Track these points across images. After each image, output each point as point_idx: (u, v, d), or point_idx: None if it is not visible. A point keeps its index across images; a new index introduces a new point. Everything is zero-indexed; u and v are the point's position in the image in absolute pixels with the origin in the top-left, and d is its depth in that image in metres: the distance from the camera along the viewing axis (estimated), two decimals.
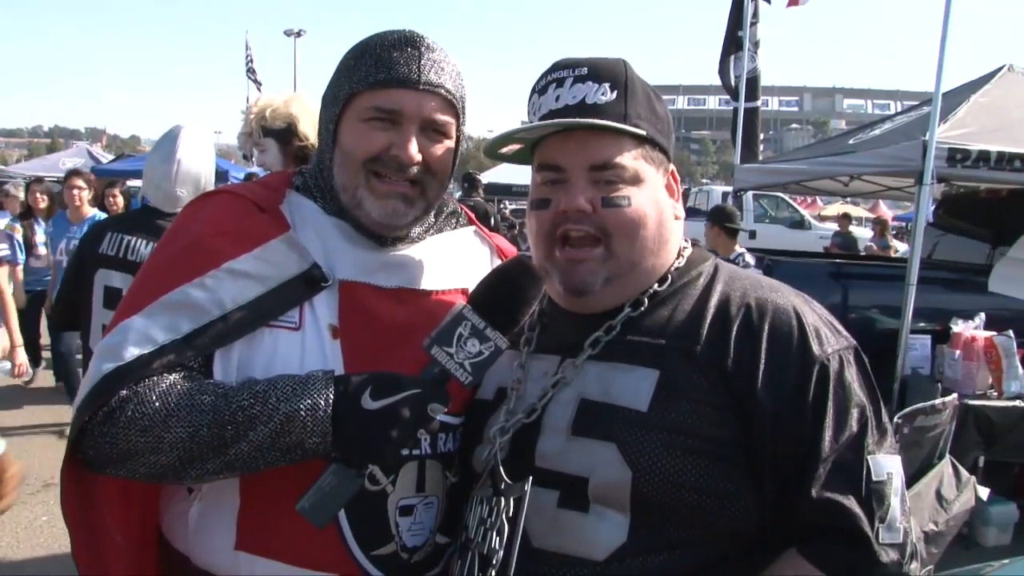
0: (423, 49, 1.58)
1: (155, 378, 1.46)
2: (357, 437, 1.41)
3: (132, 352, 1.47)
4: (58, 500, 1.58)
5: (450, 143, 1.64)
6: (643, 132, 1.50)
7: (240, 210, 1.63)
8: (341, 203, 1.63)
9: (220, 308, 1.52)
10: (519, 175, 20.15)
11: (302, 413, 1.40)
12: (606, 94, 1.49)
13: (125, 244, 3.74)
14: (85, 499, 1.57)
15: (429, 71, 1.57)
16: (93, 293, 3.74)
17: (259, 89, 23.27)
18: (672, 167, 1.60)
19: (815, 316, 1.48)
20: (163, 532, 1.66)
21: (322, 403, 1.41)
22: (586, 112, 1.48)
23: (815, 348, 1.42)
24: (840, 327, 1.50)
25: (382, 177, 1.59)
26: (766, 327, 1.44)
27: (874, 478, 1.38)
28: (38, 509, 5.59)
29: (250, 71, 24.16)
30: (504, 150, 1.62)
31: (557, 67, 1.54)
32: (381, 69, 1.56)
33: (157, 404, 1.43)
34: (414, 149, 1.57)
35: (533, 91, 1.56)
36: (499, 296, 1.50)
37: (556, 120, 1.49)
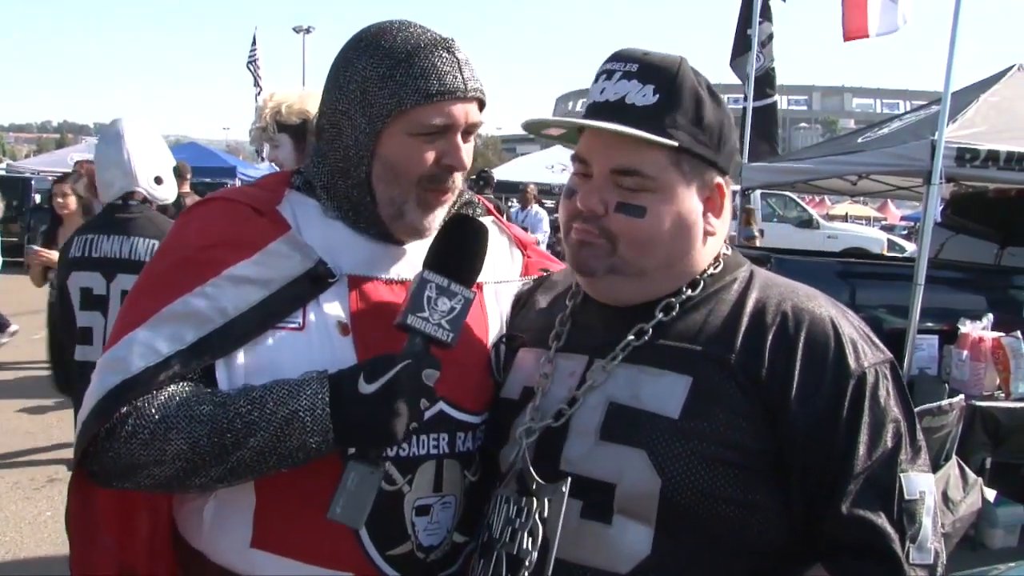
0: (458, 53, 1.56)
1: (156, 391, 1.46)
2: (363, 423, 1.40)
3: (137, 365, 1.46)
4: (63, 496, 1.60)
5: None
6: (674, 143, 1.43)
7: (235, 216, 1.61)
8: (373, 213, 1.60)
9: (223, 316, 1.50)
10: (528, 174, 20.18)
11: (300, 413, 1.40)
12: (647, 97, 1.43)
13: (88, 243, 3.82)
14: (88, 510, 1.59)
15: (470, 77, 1.56)
16: (71, 299, 3.81)
17: (257, 85, 23.10)
18: (720, 179, 1.51)
19: (852, 328, 1.43)
20: (178, 529, 1.66)
21: (319, 401, 1.41)
22: (621, 112, 1.43)
23: (851, 362, 1.38)
24: (876, 339, 1.46)
25: (433, 190, 1.58)
26: (802, 338, 1.39)
27: (906, 496, 1.34)
28: (42, 505, 5.59)
29: (252, 63, 23.96)
30: (549, 132, 1.62)
31: (615, 58, 1.49)
32: (431, 82, 1.52)
33: (157, 417, 1.43)
34: (465, 156, 1.58)
35: (596, 74, 1.52)
36: (450, 251, 1.52)
37: (574, 120, 1.47)
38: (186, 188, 8.79)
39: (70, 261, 3.83)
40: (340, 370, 1.46)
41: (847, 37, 8.26)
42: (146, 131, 4.01)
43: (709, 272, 1.53)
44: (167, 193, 4.03)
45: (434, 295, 1.46)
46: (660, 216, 1.45)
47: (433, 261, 1.51)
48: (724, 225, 1.55)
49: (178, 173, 8.69)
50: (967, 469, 4.94)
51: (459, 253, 1.52)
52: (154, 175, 3.93)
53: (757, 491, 1.37)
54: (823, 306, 1.46)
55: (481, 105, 1.61)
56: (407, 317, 1.45)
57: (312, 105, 3.42)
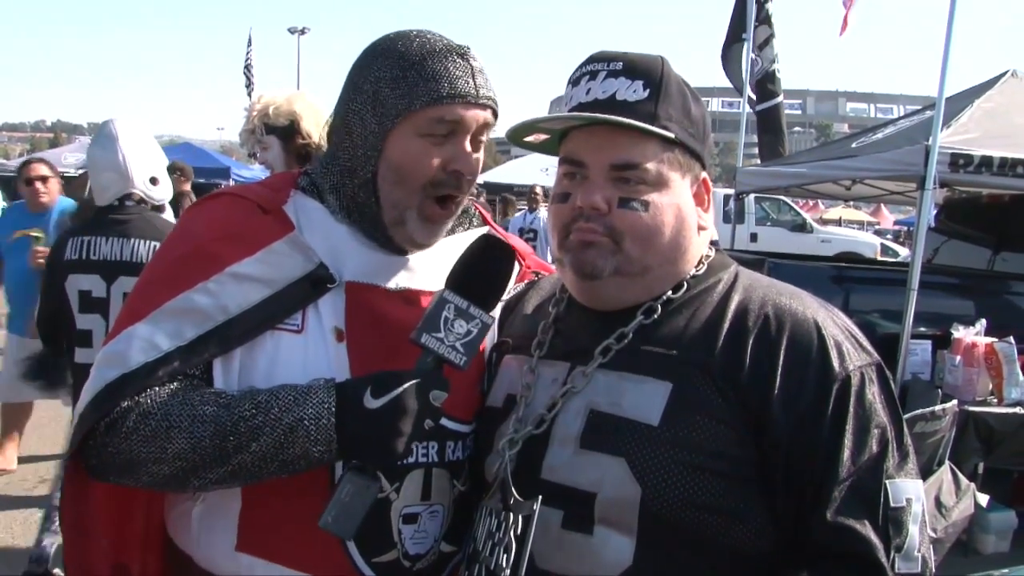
0: (472, 61, 1.57)
1: (157, 388, 1.45)
2: (365, 438, 1.39)
3: (137, 359, 1.46)
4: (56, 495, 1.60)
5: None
6: (671, 134, 1.44)
7: (242, 212, 1.61)
8: (376, 215, 1.59)
9: (224, 314, 1.50)
10: (522, 177, 20.13)
11: (306, 422, 1.39)
12: (637, 92, 1.44)
13: (85, 245, 3.78)
14: (80, 503, 1.58)
15: (482, 84, 1.56)
16: (69, 302, 3.77)
17: (249, 88, 23.04)
18: (704, 175, 1.54)
19: (836, 329, 1.41)
20: (168, 532, 1.66)
21: (325, 410, 1.39)
22: (614, 109, 1.43)
23: (835, 364, 1.35)
24: (864, 341, 1.43)
25: (440, 201, 1.57)
26: (784, 340, 1.37)
27: (892, 504, 1.32)
28: (34, 505, 5.55)
29: (247, 68, 23.94)
30: (530, 139, 1.59)
31: (593, 60, 1.50)
32: (443, 84, 1.52)
33: (159, 415, 1.42)
34: (473, 161, 1.57)
35: (568, 81, 1.52)
36: (474, 273, 1.49)
37: (578, 114, 1.45)
38: (187, 187, 8.93)
39: (66, 264, 3.78)
40: (347, 380, 1.45)
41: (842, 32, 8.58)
42: (139, 131, 3.97)
43: (692, 274, 1.52)
44: (163, 193, 3.99)
45: (452, 316, 1.43)
46: (662, 209, 1.44)
47: (456, 281, 1.48)
48: (711, 220, 1.55)
49: (171, 170, 8.59)
50: (960, 474, 4.96)
51: (484, 276, 1.50)
52: (149, 176, 3.90)
53: (741, 499, 1.35)
54: (808, 307, 1.44)
55: (494, 115, 1.60)
56: (421, 335, 1.42)
57: (300, 107, 3.42)
